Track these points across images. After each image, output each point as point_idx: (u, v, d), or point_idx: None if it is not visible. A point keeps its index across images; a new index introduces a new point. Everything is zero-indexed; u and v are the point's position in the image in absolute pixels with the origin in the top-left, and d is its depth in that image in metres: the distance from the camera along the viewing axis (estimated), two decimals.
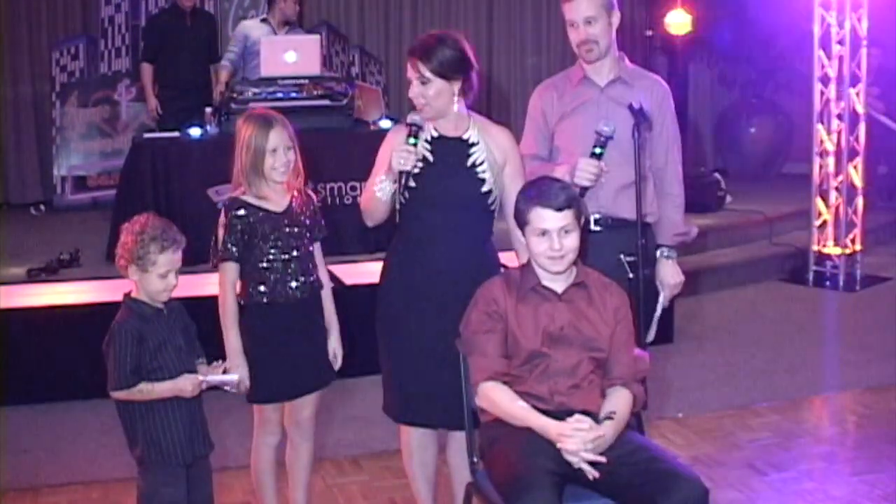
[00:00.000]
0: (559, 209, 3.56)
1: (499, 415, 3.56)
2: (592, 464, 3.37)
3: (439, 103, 3.96)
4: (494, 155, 4.05)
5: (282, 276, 4.02)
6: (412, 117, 3.94)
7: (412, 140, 3.90)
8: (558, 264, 3.60)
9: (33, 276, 6.94)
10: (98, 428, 5.52)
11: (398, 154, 3.86)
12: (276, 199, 4.04)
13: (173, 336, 3.67)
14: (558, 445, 3.37)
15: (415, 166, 3.88)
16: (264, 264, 4.00)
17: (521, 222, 3.65)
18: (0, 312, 6.12)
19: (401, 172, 3.86)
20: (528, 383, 3.58)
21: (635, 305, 4.02)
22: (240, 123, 4.07)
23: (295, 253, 4.04)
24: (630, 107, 4.08)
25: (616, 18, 4.34)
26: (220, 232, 4.01)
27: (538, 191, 3.64)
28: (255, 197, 4.01)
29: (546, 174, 4.20)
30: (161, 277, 3.61)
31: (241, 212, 3.98)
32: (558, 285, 3.66)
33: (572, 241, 3.59)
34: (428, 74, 3.93)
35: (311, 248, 4.13)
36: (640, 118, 4.06)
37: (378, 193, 3.92)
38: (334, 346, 4.22)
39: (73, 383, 5.95)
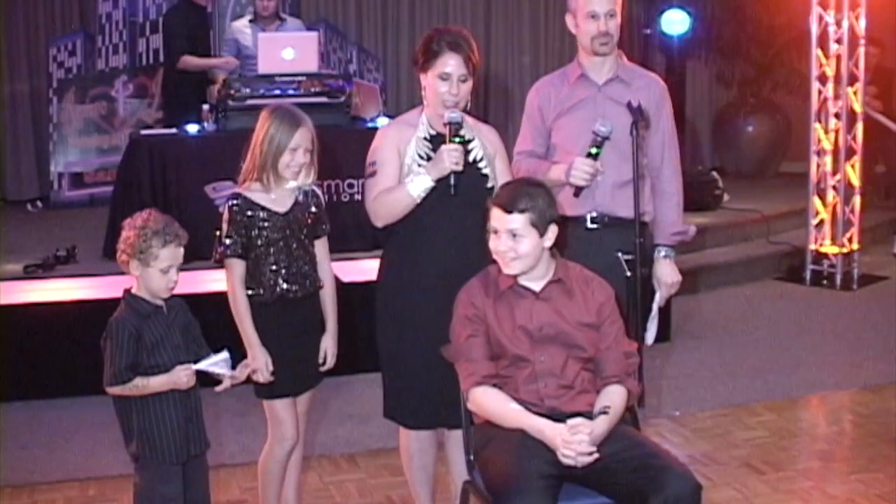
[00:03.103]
0: (509, 211, 3.55)
1: (491, 419, 3.54)
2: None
3: (466, 99, 4.00)
4: (488, 150, 4.08)
5: (281, 276, 4.00)
6: (450, 116, 3.90)
7: (458, 139, 3.90)
8: (508, 267, 3.58)
9: (30, 273, 6.94)
10: (94, 425, 5.51)
11: (451, 155, 3.84)
12: (282, 196, 4.02)
13: (171, 334, 3.66)
14: (558, 453, 3.36)
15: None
16: (264, 263, 3.99)
17: (485, 220, 3.66)
18: None
19: (451, 172, 3.85)
20: (517, 389, 3.56)
21: (633, 303, 4.03)
22: (265, 114, 4.02)
23: (294, 253, 4.03)
24: (629, 105, 4.09)
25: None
26: (224, 228, 3.99)
27: (503, 189, 3.69)
28: (260, 192, 4.00)
29: (541, 172, 4.22)
30: (162, 273, 3.60)
31: (244, 209, 3.97)
32: (536, 284, 3.64)
33: (525, 245, 3.55)
34: (471, 70, 3.96)
35: (311, 248, 4.12)
36: (639, 116, 4.06)
37: (414, 193, 3.90)
38: (327, 345, 4.17)
39: (70, 380, 5.94)
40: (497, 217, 3.57)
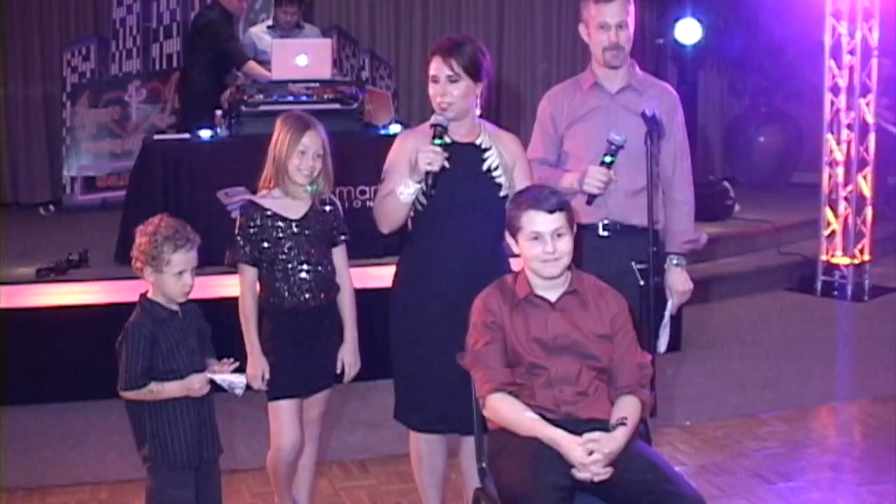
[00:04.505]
0: (551, 211, 3.55)
1: (506, 426, 3.54)
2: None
3: (463, 103, 3.97)
4: (505, 159, 4.07)
5: (295, 282, 4.03)
6: (436, 118, 3.92)
7: (438, 141, 3.89)
8: (552, 267, 3.58)
9: (42, 276, 6.95)
10: (106, 428, 5.53)
11: (425, 155, 3.83)
12: (297, 202, 4.06)
13: (186, 339, 3.68)
14: (573, 471, 3.35)
15: (442, 167, 3.87)
16: (279, 270, 4.02)
17: (514, 229, 3.63)
18: (9, 312, 6.14)
19: (427, 173, 3.85)
20: (533, 394, 3.56)
21: (646, 313, 4.03)
22: (279, 122, 4.09)
23: (311, 260, 4.06)
24: (643, 114, 4.09)
25: (633, 27, 4.36)
26: (236, 234, 4.04)
27: (529, 195, 3.64)
28: (276, 198, 4.04)
29: (554, 180, 4.23)
30: (176, 277, 3.63)
31: (254, 217, 4.00)
32: (552, 294, 3.64)
33: (565, 244, 3.58)
34: (458, 70, 3.94)
35: (329, 255, 4.14)
36: (653, 126, 4.07)
37: (401, 197, 3.90)
38: (344, 356, 4.20)
39: (82, 383, 5.97)
40: (540, 221, 3.55)
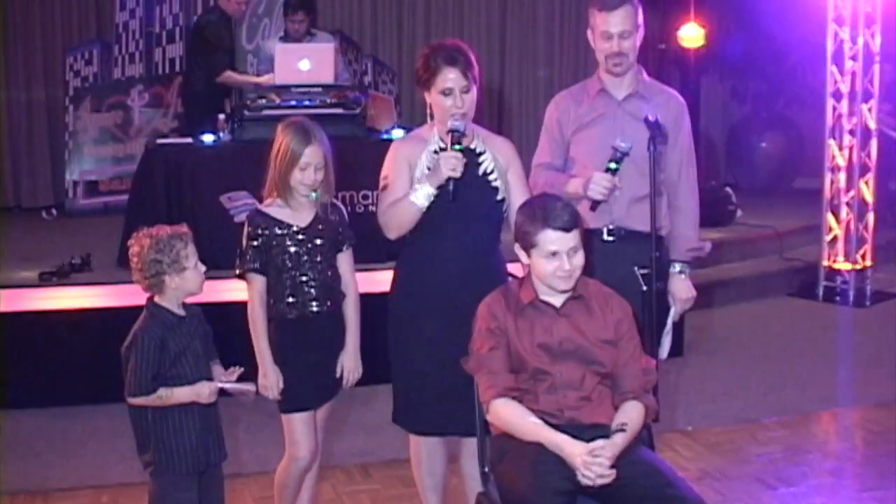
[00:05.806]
0: (568, 230, 3.55)
1: (510, 431, 3.54)
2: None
3: (472, 110, 4.01)
4: (500, 162, 4.09)
5: (303, 290, 4.02)
6: (453, 124, 3.92)
7: (458, 147, 3.91)
8: (567, 282, 3.60)
9: (45, 280, 6.96)
10: (109, 432, 5.53)
11: (448, 161, 3.85)
12: (301, 210, 4.05)
13: (193, 343, 3.69)
14: (577, 474, 3.36)
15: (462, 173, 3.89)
16: (285, 278, 4.01)
17: (527, 244, 3.61)
18: (11, 315, 6.15)
19: (449, 179, 3.86)
20: (537, 399, 3.57)
21: (648, 318, 4.04)
22: (280, 129, 4.06)
23: (317, 267, 4.04)
24: (646, 119, 4.10)
25: (641, 34, 4.37)
26: (243, 243, 4.02)
27: (543, 211, 3.60)
28: (280, 207, 4.03)
29: (559, 185, 4.24)
30: (195, 270, 3.68)
31: (260, 225, 4.00)
32: (557, 299, 3.65)
33: (580, 258, 3.59)
34: (471, 79, 3.96)
35: (334, 262, 4.12)
36: (656, 131, 4.07)
37: (417, 202, 3.91)
38: (344, 362, 4.15)
39: (84, 387, 5.97)
40: (557, 239, 3.55)
